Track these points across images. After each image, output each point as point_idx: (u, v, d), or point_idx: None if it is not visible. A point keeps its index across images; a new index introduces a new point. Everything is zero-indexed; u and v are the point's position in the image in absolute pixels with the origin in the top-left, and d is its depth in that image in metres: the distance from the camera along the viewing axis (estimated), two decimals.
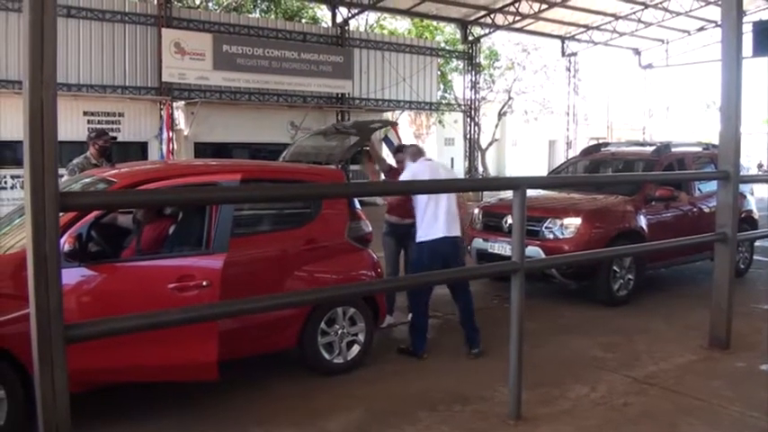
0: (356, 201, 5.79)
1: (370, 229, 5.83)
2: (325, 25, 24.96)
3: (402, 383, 5.23)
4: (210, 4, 28.08)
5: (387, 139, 25.13)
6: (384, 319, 6.02)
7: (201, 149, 20.02)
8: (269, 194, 4.04)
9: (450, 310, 7.48)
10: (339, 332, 5.34)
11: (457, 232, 5.93)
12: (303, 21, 27.59)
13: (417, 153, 6.30)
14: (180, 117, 20.05)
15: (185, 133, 20.01)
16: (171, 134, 18.97)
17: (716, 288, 6.06)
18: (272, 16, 27.15)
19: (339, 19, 22.87)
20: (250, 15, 25.93)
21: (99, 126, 17.07)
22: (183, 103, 19.75)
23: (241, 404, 4.74)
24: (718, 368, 5.59)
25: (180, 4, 23.16)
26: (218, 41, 19.43)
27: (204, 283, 4.33)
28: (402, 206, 6.57)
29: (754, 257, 10.18)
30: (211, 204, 4.54)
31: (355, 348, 5.45)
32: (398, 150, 7.20)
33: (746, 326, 6.62)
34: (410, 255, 6.54)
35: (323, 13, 27.91)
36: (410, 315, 6.14)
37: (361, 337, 5.47)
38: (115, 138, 7.75)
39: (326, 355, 5.31)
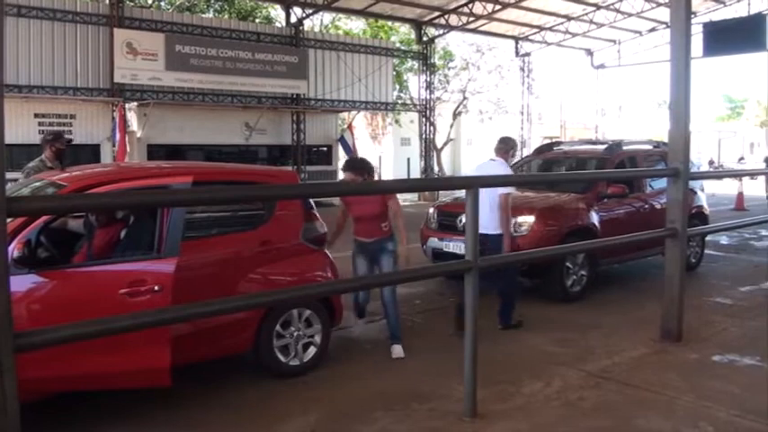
0: (311, 202, 5.76)
1: (326, 230, 5.80)
2: (279, 25, 24.83)
3: (359, 384, 5.21)
4: (163, 4, 27.69)
5: (342, 140, 25.22)
6: (341, 320, 5.99)
7: (155, 151, 19.73)
8: (221, 197, 3.98)
9: (406, 310, 7.52)
10: (295, 334, 5.30)
11: (494, 229, 6.52)
12: (257, 21, 27.38)
13: (497, 150, 7.01)
14: (132, 119, 19.73)
15: (138, 135, 19.71)
16: (124, 136, 18.62)
17: (667, 282, 6.19)
18: (226, 16, 26.89)
19: (293, 19, 22.78)
20: (203, 15, 25.65)
21: (51, 128, 16.70)
22: (135, 104, 19.45)
23: (196, 410, 4.67)
24: (670, 360, 5.70)
25: (132, 4, 22.78)
26: (170, 41, 19.17)
27: (156, 288, 4.26)
28: (369, 222, 5.97)
29: (706, 252, 10.43)
30: (162, 207, 4.47)
31: (311, 350, 5.42)
32: (349, 168, 6.06)
33: (698, 318, 6.78)
34: (383, 269, 5.97)
35: (277, 13, 27.80)
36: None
37: (317, 339, 5.43)
38: (71, 140, 7.62)
39: (282, 358, 5.26)
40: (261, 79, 20.97)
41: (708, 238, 11.00)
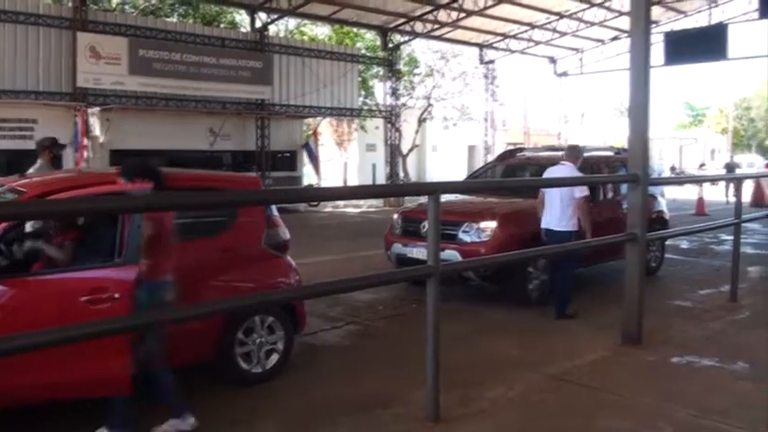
0: (273, 208, 5.75)
1: (288, 236, 5.79)
2: (244, 30, 24.70)
3: (323, 390, 5.20)
4: (127, 8, 27.36)
5: (307, 146, 25.18)
6: (304, 326, 5.97)
7: (118, 157, 19.42)
8: (181, 203, 3.96)
9: (369, 316, 7.55)
10: (257, 341, 5.27)
11: (561, 227, 7.15)
12: (222, 26, 27.22)
13: (564, 155, 7.71)
14: (95, 124, 19.42)
15: (101, 140, 19.39)
16: (86, 141, 18.33)
17: (627, 286, 6.30)
18: (190, 20, 26.64)
19: (258, 24, 22.67)
20: (167, 19, 25.37)
21: (14, 133, 16.48)
22: (98, 109, 19.14)
23: (157, 418, 4.62)
24: (631, 363, 5.81)
25: (96, 8, 22.45)
26: (133, 46, 18.95)
27: (116, 296, 4.20)
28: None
29: (667, 256, 10.62)
30: (122, 214, 4.42)
31: (274, 357, 5.39)
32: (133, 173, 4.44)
33: (658, 321, 6.89)
34: None
35: (242, 18, 27.65)
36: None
37: (280, 346, 5.41)
38: (65, 146, 7.65)
39: (245, 366, 5.22)
40: (225, 84, 20.84)
41: (668, 242, 11.20)
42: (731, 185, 22.35)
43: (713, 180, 30.87)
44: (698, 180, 23.47)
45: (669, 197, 11.58)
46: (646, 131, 6.27)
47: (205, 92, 20.47)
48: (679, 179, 28.30)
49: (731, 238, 8.48)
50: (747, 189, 22.70)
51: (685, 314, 7.64)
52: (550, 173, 7.62)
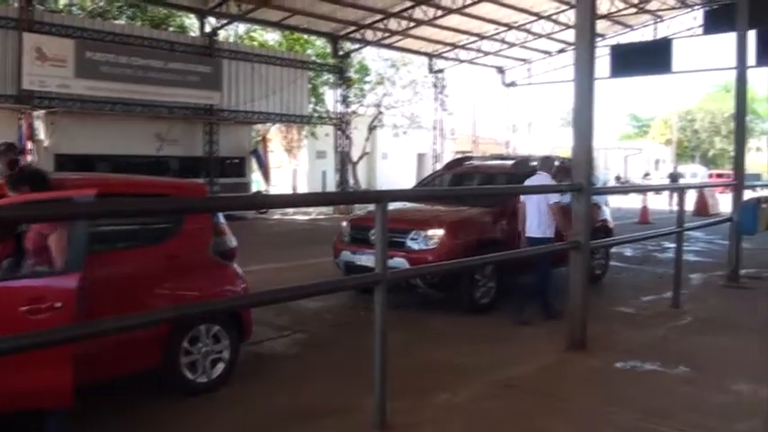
0: (221, 215, 5.69)
1: (236, 244, 5.74)
2: (193, 35, 24.44)
3: (270, 399, 5.16)
4: (74, 9, 26.78)
5: (256, 153, 25.00)
6: (250, 335, 5.91)
7: (62, 162, 18.97)
8: (124, 210, 3.88)
9: (317, 324, 7.52)
10: (203, 350, 5.20)
11: (540, 233, 7.51)
12: (170, 29, 26.85)
13: (538, 166, 8.10)
14: (40, 127, 18.96)
15: (45, 144, 18.96)
16: (30, 145, 17.84)
17: (571, 293, 6.41)
18: (139, 23, 26.22)
19: (208, 29, 22.48)
20: (115, 22, 24.93)
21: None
22: (43, 112, 18.70)
23: (99, 430, 4.53)
24: (575, 368, 5.90)
25: (42, 8, 21.91)
26: (80, 48, 18.57)
27: (57, 305, 4.09)
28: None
29: (611, 263, 10.83)
30: (63, 220, 4.31)
31: (220, 366, 5.33)
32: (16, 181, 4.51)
33: (602, 328, 7.03)
34: None
35: (191, 21, 27.30)
36: None
37: (225, 355, 5.35)
38: (23, 150, 7.47)
39: (190, 375, 5.15)
40: (173, 89, 20.56)
41: (612, 250, 11.43)
42: (675, 195, 22.95)
43: (657, 190, 31.60)
44: (642, 189, 24.04)
45: (614, 206, 11.82)
46: (590, 142, 6.41)
47: (153, 96, 20.17)
48: (623, 188, 29.00)
49: (674, 245, 8.69)
50: (691, 199, 23.38)
51: (629, 320, 7.81)
52: (531, 182, 7.93)
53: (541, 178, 7.77)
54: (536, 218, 7.61)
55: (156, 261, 5.08)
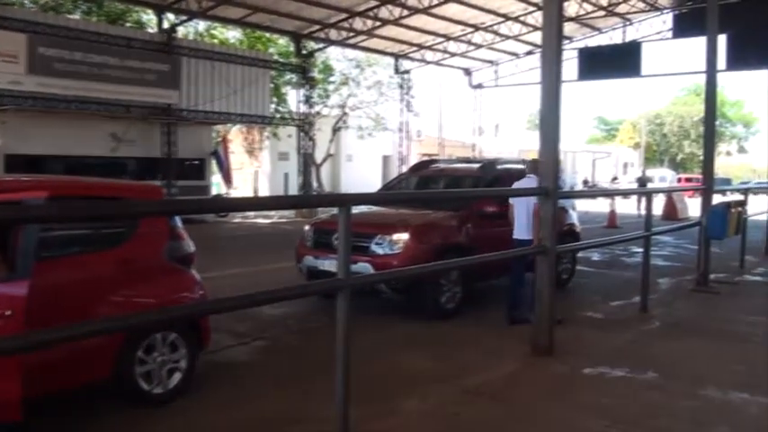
0: (178, 219, 5.62)
1: (193, 249, 5.68)
2: (151, 31, 24.17)
3: (230, 410, 5.11)
4: (27, 2, 26.29)
5: (216, 154, 24.81)
6: (209, 343, 5.85)
7: (13, 163, 18.60)
8: (74, 213, 3.79)
9: (279, 331, 7.48)
10: (159, 360, 5.13)
11: (528, 236, 7.57)
12: (127, 25, 26.52)
13: (528, 168, 8.16)
14: None
15: None
16: None
17: (538, 298, 6.48)
18: (94, 18, 25.83)
19: (166, 25, 22.23)
20: (69, 16, 24.50)
21: None
22: None
23: None
24: (542, 374, 5.97)
25: None
26: (33, 43, 18.19)
27: (7, 313, 4.01)
28: None
29: (578, 268, 10.95)
30: (10, 224, 4.22)
31: (177, 376, 5.25)
32: None
33: (570, 333, 7.13)
34: None
35: (149, 17, 27.00)
36: None
37: (183, 364, 5.28)
38: None
39: (145, 386, 5.06)
40: (130, 87, 20.29)
41: (580, 254, 11.56)
42: (643, 199, 23.33)
43: (625, 194, 32.04)
44: (610, 193, 24.35)
45: (581, 210, 11.97)
46: (556, 145, 6.49)
47: (108, 94, 19.86)
48: (590, 192, 29.36)
49: (642, 250, 8.81)
50: (659, 203, 23.77)
51: (597, 325, 7.91)
52: (521, 184, 8.06)
53: (531, 181, 7.79)
54: (524, 220, 7.73)
55: (110, 267, 5.00)
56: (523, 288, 7.87)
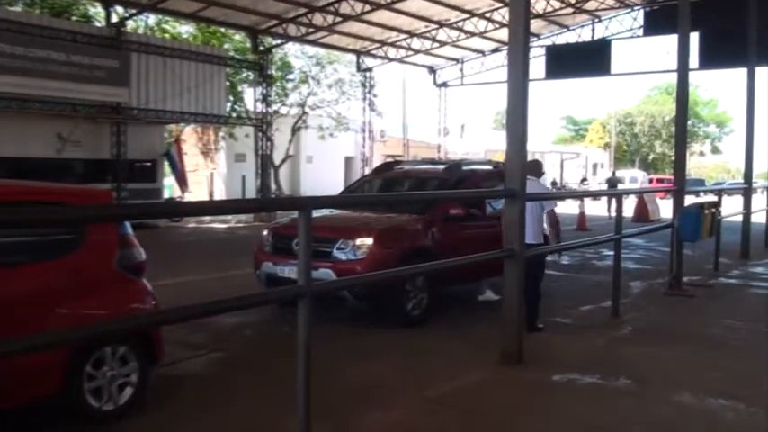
0: (128, 225, 5.54)
1: (145, 256, 5.59)
2: (98, 25, 23.81)
3: (184, 426, 5.07)
4: None
5: (169, 155, 24.54)
6: (163, 355, 5.76)
7: None
8: (17, 219, 3.68)
9: (236, 342, 7.42)
10: (108, 375, 5.03)
11: (536, 239, 7.75)
12: (73, 18, 26.10)
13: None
14: None
15: None
16: None
17: (506, 303, 6.53)
18: (37, 11, 25.39)
19: (114, 18, 21.91)
20: (10, 8, 24.02)
21: None
22: None
23: None
24: (511, 382, 6.01)
25: None
26: None
27: None
28: None
29: (546, 272, 11.01)
30: None
31: (128, 391, 5.17)
32: None
33: (539, 339, 7.21)
34: None
35: (96, 11, 26.59)
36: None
37: (134, 379, 5.20)
38: None
39: (94, 403, 4.97)
40: (76, 84, 19.90)
41: (548, 258, 11.64)
42: (613, 201, 23.67)
43: (595, 195, 32.44)
44: (579, 195, 24.64)
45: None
46: (524, 145, 6.54)
47: (53, 92, 19.45)
48: (559, 194, 29.66)
49: (612, 253, 8.92)
50: (630, 205, 24.11)
51: (567, 331, 7.99)
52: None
53: (533, 184, 7.86)
54: (530, 224, 7.67)
55: (55, 277, 4.89)
56: (536, 296, 8.00)
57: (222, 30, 28.77)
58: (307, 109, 32.64)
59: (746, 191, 15.04)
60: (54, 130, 20.49)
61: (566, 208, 25.27)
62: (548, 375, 6.13)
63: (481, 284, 9.30)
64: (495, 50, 30.43)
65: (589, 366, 6.38)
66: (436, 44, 28.94)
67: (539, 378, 6.08)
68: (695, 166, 73.35)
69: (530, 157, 7.15)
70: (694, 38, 16.09)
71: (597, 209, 26.63)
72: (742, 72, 14.62)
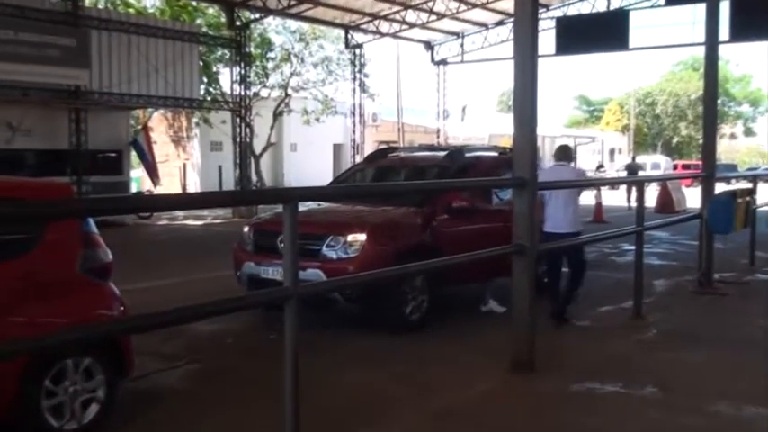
0: (92, 223, 5.52)
1: (111, 257, 5.58)
2: None
3: None
4: None
5: (136, 144, 24.48)
6: (133, 367, 5.75)
7: None
8: None
9: (215, 351, 7.41)
10: (70, 390, 5.01)
11: (572, 228, 8.23)
12: None
13: (556, 156, 8.90)
14: None
15: None
16: None
17: (516, 305, 6.50)
18: None
19: None
20: None
21: None
22: None
23: None
24: (522, 393, 6.01)
25: None
26: None
27: None
28: None
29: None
30: None
31: (93, 408, 5.15)
32: None
33: (553, 344, 7.18)
34: None
35: None
36: None
37: (100, 394, 5.19)
38: None
39: (54, 422, 4.94)
40: (27, 66, 19.73)
41: None
42: (633, 189, 23.66)
43: (613, 183, 32.46)
44: (595, 184, 24.62)
45: None
46: (533, 128, 6.50)
47: (0, 75, 19.41)
48: (573, 183, 29.67)
49: (634, 247, 8.92)
50: (653, 194, 24.08)
51: (584, 334, 8.02)
52: (557, 173, 8.52)
53: (568, 169, 8.46)
54: (564, 211, 8.23)
55: (9, 281, 4.87)
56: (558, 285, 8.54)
57: (194, 2, 28.69)
58: (290, 91, 32.61)
59: None
60: (3, 118, 20.40)
61: (581, 198, 25.29)
62: (563, 384, 6.12)
63: (485, 294, 9.27)
64: (500, 23, 30.41)
65: (610, 374, 6.39)
66: (434, 17, 28.85)
67: (555, 388, 6.07)
68: (726, 149, 73.33)
69: (539, 143, 7.19)
70: (724, 6, 15.89)
71: (616, 199, 26.65)
72: None
